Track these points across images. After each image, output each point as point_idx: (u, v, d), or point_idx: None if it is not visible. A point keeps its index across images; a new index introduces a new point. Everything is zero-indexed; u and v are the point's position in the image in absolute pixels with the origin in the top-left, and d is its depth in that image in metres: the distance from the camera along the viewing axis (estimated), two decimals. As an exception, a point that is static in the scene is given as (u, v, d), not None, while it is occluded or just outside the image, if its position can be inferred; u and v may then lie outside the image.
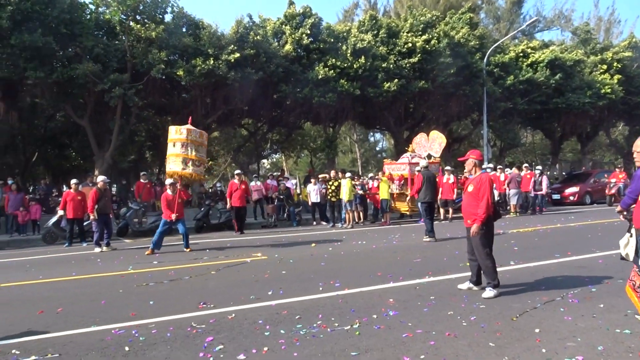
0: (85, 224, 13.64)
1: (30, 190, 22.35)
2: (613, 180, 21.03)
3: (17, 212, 16.08)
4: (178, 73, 17.85)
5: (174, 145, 11.06)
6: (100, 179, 12.82)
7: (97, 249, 12.08)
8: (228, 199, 15.50)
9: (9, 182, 17.79)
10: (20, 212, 16.08)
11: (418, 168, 13.65)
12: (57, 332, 5.29)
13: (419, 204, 12.66)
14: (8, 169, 24.60)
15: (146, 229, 15.60)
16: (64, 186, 32.46)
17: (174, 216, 11.18)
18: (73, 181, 13.64)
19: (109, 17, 17.85)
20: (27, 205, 16.48)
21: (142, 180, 18.34)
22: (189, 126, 11.23)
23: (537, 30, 42.30)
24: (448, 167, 17.69)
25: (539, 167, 19.99)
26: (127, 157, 29.11)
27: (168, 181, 11.55)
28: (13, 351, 4.67)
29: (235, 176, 15.75)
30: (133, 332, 5.16)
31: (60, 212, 13.47)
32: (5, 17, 15.26)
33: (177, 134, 11.07)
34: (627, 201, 5.43)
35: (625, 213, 5.48)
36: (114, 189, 23.49)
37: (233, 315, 5.68)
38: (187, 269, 8.98)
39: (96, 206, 12.20)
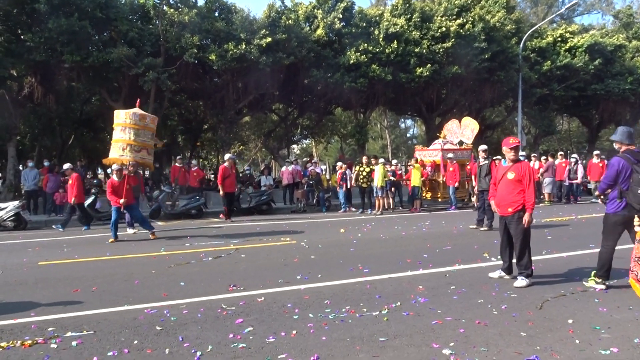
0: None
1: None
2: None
3: (56, 194, 16.50)
4: (210, 57, 17.93)
5: (116, 131, 10.90)
6: (131, 163, 12.90)
7: (130, 230, 12.30)
8: (220, 185, 14.45)
9: (45, 163, 18.27)
10: (59, 193, 16.50)
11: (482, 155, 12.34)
12: (92, 310, 5.42)
13: (483, 193, 11.45)
14: (45, 151, 25.28)
15: (178, 212, 15.85)
16: (99, 168, 33.32)
17: (122, 201, 10.84)
18: (66, 166, 13.76)
19: (143, 1, 18.04)
20: (65, 186, 16.90)
21: (177, 164, 18.63)
22: (134, 110, 11.00)
23: (576, 14, 41.14)
24: (498, 157, 17.26)
25: (575, 156, 19.48)
26: (160, 140, 29.50)
27: (114, 167, 11.23)
28: (49, 328, 4.81)
29: (227, 161, 14.91)
30: (165, 312, 5.26)
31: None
32: (43, 1, 15.56)
33: (123, 118, 10.80)
34: (602, 186, 5.86)
35: (602, 197, 5.98)
36: (147, 172, 23.88)
37: (262, 298, 5.73)
38: (217, 251, 9.09)
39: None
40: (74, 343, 4.37)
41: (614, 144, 5.88)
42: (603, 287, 5.86)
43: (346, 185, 17.06)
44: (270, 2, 20.16)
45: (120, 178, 11.03)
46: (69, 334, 4.63)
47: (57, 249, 9.94)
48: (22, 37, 17.19)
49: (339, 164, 18.34)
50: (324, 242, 10.04)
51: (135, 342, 4.38)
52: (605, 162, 18.57)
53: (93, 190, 15.30)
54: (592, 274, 6.04)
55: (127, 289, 6.37)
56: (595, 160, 18.53)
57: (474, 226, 11.63)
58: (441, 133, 19.06)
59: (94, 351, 4.19)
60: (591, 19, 68.58)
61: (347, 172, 17.49)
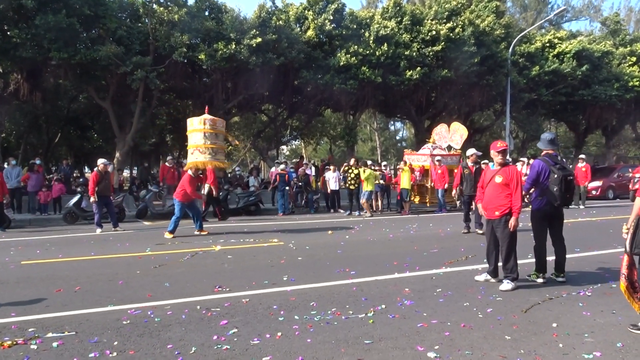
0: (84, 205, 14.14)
1: (53, 171, 22.67)
2: (638, 175, 20.52)
3: (40, 192, 16.29)
4: (200, 57, 17.85)
5: (198, 136, 11.45)
6: (101, 161, 12.68)
7: (99, 230, 12.18)
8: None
9: (37, 161, 17.97)
10: (43, 192, 16.29)
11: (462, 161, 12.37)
12: (74, 310, 5.35)
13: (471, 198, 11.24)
14: (31, 149, 25.01)
15: (165, 212, 15.72)
16: (86, 167, 33.05)
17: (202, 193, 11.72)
18: None
19: (132, -1, 17.91)
20: (48, 184, 16.69)
21: (167, 164, 18.51)
22: (206, 116, 11.60)
23: (565, 20, 41.49)
24: (486, 161, 17.30)
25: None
26: (148, 140, 29.35)
27: (190, 165, 11.55)
28: (30, 328, 4.74)
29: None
30: (149, 312, 5.20)
31: None
32: (30, -3, 15.40)
33: (197, 124, 11.47)
34: (527, 186, 6.51)
35: (527, 196, 6.61)
36: (134, 171, 23.73)
37: (248, 299, 5.69)
38: (203, 252, 9.04)
39: (97, 188, 12.18)
40: (54, 344, 4.30)
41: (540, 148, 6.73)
42: (542, 280, 6.42)
43: (277, 188, 17.17)
44: (260, 2, 20.12)
45: (197, 176, 11.57)
46: (50, 334, 4.55)
47: (41, 248, 9.81)
48: (8, 33, 16.94)
49: (282, 166, 18.26)
50: (311, 243, 10.02)
51: (117, 343, 4.32)
52: (589, 166, 18.75)
53: (79, 189, 15.14)
54: (534, 269, 6.59)
55: (111, 289, 6.29)
56: (580, 164, 18.66)
57: (465, 231, 11.58)
58: (430, 138, 19.13)
59: (75, 352, 4.13)
60: (579, 26, 69.34)
61: (337, 173, 17.50)
